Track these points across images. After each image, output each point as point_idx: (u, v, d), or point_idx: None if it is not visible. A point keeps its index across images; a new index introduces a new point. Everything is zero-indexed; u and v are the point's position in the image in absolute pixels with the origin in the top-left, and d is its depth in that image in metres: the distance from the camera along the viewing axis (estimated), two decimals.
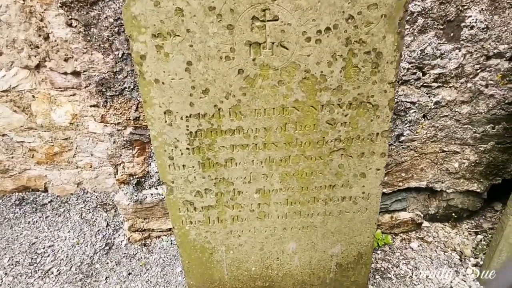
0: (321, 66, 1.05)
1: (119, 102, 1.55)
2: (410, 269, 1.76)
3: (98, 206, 2.36)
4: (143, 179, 1.79)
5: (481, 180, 1.88)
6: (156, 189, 1.84)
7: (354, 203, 1.31)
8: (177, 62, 1.03)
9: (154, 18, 0.97)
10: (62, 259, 1.96)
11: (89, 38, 1.36)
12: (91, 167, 2.40)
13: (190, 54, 1.02)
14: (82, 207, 2.36)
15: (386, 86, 1.09)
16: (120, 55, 1.42)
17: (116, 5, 1.30)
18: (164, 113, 1.12)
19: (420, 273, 1.73)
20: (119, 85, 1.50)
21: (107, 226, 2.18)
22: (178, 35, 0.99)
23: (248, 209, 1.31)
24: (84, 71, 1.44)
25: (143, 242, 2.03)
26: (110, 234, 2.13)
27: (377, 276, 1.73)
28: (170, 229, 2.03)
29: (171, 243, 2.02)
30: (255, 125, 1.14)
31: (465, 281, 1.67)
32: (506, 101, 1.64)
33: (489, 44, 1.50)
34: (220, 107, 1.11)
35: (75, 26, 1.36)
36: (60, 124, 2.19)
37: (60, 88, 2.04)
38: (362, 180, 1.26)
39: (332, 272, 1.51)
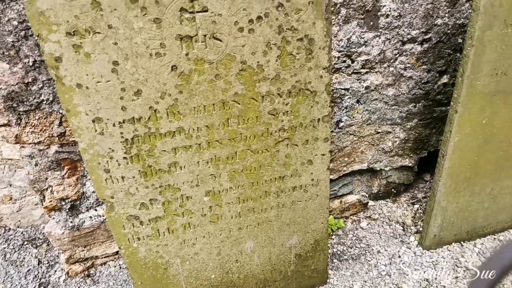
0: (257, 56, 1.04)
1: (37, 117, 1.36)
2: (363, 247, 1.84)
3: (25, 242, 2.05)
4: (78, 202, 1.60)
5: (411, 155, 2.06)
6: (96, 210, 1.65)
7: (305, 191, 1.32)
8: (102, 63, 0.93)
9: (67, 14, 0.86)
10: None
11: None
12: (11, 199, 2.07)
13: (116, 53, 0.93)
14: (5, 248, 2.03)
15: (321, 72, 1.12)
16: (31, 63, 1.24)
17: (19, 5, 1.14)
18: (93, 121, 1.00)
19: (372, 249, 1.83)
20: (35, 98, 1.32)
21: (39, 264, 1.90)
22: (99, 32, 0.89)
23: (200, 214, 1.24)
24: None
25: (86, 273, 1.81)
26: (43, 272, 1.86)
27: (335, 260, 1.78)
28: (117, 252, 1.84)
29: (120, 268, 1.84)
30: (196, 124, 1.08)
31: (409, 248, 1.81)
32: (422, 81, 1.82)
33: (403, 30, 1.65)
34: (156, 108, 1.03)
35: None
36: None
37: None
38: (310, 167, 1.27)
39: (292, 264, 1.50)
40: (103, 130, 1.02)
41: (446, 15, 1.67)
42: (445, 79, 1.84)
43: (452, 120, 1.43)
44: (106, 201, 1.12)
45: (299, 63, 1.08)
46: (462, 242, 1.82)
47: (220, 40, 0.99)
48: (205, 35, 0.97)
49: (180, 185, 1.17)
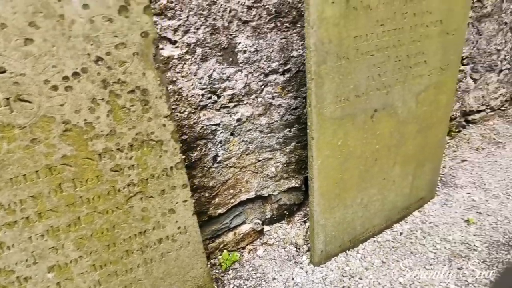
0: (83, 114, 0.95)
1: None
2: (259, 277, 1.84)
3: None
4: None
5: (296, 176, 2.17)
6: None
7: (173, 241, 1.25)
8: None
9: None
10: None
11: None
12: None
13: None
14: None
15: (163, 120, 1.08)
16: None
17: None
18: None
19: (268, 277, 1.84)
20: None
21: None
22: None
23: None
24: None
25: None
26: None
27: None
28: None
29: None
30: (18, 196, 0.93)
31: (302, 268, 1.87)
32: (292, 108, 1.94)
33: (263, 63, 1.74)
34: None
35: None
36: None
37: None
38: (173, 216, 1.21)
39: None
40: None
41: (300, 47, 1.82)
42: None
43: (311, 146, 1.54)
44: None
45: (136, 115, 1.03)
46: (347, 251, 1.96)
47: (30, 102, 0.88)
48: (8, 98, 0.86)
49: (12, 266, 1.00)
